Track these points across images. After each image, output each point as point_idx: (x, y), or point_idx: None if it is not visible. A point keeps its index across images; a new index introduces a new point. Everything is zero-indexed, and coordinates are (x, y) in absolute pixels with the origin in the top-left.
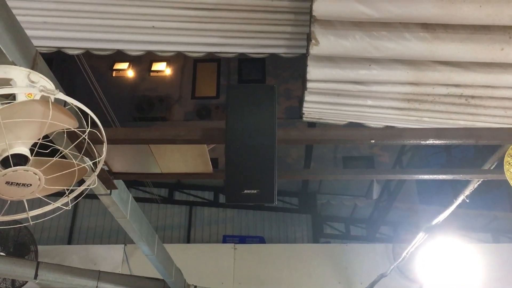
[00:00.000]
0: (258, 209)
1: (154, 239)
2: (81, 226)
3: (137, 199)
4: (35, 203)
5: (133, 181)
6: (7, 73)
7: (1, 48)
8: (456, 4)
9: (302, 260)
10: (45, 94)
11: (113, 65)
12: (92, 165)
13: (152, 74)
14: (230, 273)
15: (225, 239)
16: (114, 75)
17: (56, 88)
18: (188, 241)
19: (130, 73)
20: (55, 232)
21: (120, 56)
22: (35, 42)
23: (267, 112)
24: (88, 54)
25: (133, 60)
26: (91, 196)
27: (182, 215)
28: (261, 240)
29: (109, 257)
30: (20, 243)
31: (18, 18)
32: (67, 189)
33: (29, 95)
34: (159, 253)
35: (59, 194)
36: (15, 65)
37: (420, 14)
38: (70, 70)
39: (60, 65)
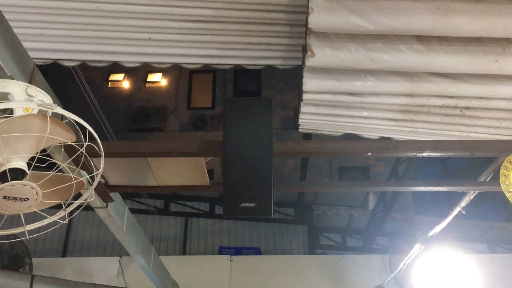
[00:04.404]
0: (254, 220)
1: (150, 252)
2: (76, 238)
3: (132, 211)
4: (29, 216)
5: (128, 193)
6: (5, 87)
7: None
8: (450, 16)
9: (298, 272)
10: (43, 109)
11: (108, 76)
12: (89, 178)
13: (147, 85)
14: (226, 285)
15: (221, 251)
16: (109, 86)
17: (54, 102)
18: (184, 253)
19: (126, 84)
20: (49, 245)
21: (116, 67)
22: (31, 54)
23: (264, 125)
24: (83, 65)
25: (129, 71)
26: (86, 208)
27: (178, 227)
28: (257, 252)
29: (104, 269)
30: (14, 256)
31: (14, 30)
32: (64, 203)
33: (27, 109)
34: (155, 266)
35: (55, 207)
36: (13, 79)
37: (415, 27)
38: (66, 81)
39: (56, 76)
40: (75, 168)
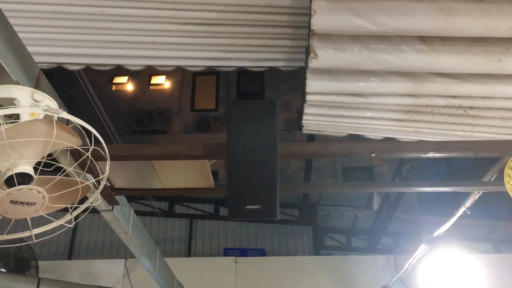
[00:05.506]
0: (259, 221)
1: (155, 254)
2: (81, 241)
3: (137, 213)
4: (35, 219)
5: (133, 195)
6: (11, 92)
7: (5, 68)
8: (453, 16)
9: (303, 273)
10: (49, 114)
11: (112, 79)
12: (95, 182)
13: (151, 87)
14: (231, 286)
15: (226, 252)
16: (113, 88)
17: (60, 107)
18: (189, 255)
19: (130, 87)
20: (55, 247)
21: (120, 70)
22: (36, 58)
23: (268, 128)
24: (87, 68)
25: (133, 74)
26: (92, 210)
27: (183, 228)
28: (262, 253)
29: (110, 272)
30: (20, 259)
31: (19, 35)
32: (70, 206)
33: (33, 115)
34: (161, 268)
35: (61, 210)
36: (19, 84)
37: (417, 27)
38: (70, 83)
39: (60, 79)
40: (81, 172)
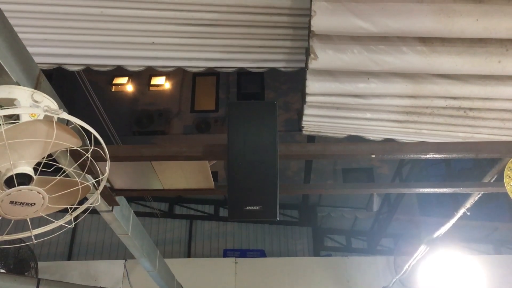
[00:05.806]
0: (259, 222)
1: (155, 255)
2: (81, 242)
3: (137, 214)
4: (35, 220)
5: (133, 196)
6: (11, 93)
7: (5, 68)
8: (453, 18)
9: (303, 274)
10: (49, 114)
11: (112, 80)
12: (95, 182)
13: (151, 88)
14: (231, 287)
15: (226, 253)
16: (113, 89)
17: (60, 108)
18: (189, 256)
19: (130, 88)
20: (55, 248)
21: (120, 71)
22: (36, 59)
23: (268, 129)
24: (87, 69)
25: (133, 75)
26: (91, 211)
27: (183, 229)
28: (261, 254)
29: (109, 272)
30: (20, 260)
31: (19, 35)
32: (70, 207)
33: (33, 115)
34: (161, 269)
35: (61, 210)
36: (19, 85)
37: (417, 28)
38: (70, 84)
39: (60, 80)
40: (81, 172)
